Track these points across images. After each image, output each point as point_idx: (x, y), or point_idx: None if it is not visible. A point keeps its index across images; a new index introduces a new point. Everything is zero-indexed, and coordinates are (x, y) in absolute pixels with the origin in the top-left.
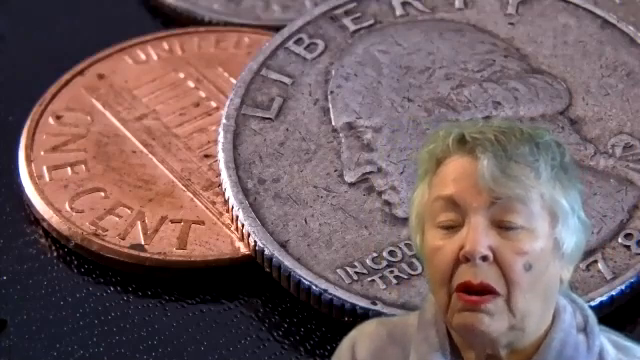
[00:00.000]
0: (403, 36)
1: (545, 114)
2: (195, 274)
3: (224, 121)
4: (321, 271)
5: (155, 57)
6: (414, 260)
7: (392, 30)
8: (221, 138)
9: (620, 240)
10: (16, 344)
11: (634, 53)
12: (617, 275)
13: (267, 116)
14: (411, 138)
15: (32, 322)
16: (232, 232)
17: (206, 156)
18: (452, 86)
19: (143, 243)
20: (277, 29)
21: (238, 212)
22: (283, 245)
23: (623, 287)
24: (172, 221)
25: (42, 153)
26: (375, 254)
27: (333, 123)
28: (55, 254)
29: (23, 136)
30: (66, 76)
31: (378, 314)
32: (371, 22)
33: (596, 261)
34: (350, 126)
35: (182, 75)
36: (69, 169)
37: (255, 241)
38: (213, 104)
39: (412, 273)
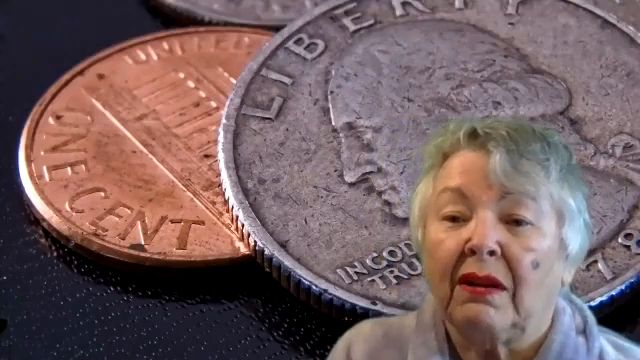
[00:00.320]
0: (403, 36)
1: (545, 114)
2: (195, 274)
3: (224, 121)
4: (321, 271)
5: (155, 57)
6: (414, 260)
7: (392, 30)
8: (221, 138)
9: (620, 240)
10: (16, 344)
11: (634, 53)
12: (617, 275)
13: (267, 116)
14: (411, 138)
15: (32, 322)
16: (232, 232)
17: (206, 156)
18: (452, 86)
19: (143, 243)
20: (277, 29)
21: (238, 212)
22: (283, 245)
23: (623, 287)
24: (172, 221)
25: (42, 153)
26: (375, 254)
27: (333, 123)
28: (55, 254)
29: (23, 136)
30: (66, 76)
31: (378, 314)
32: (371, 22)
33: (596, 261)
34: (350, 126)
35: (182, 75)
36: (69, 169)
37: (255, 241)
38: (213, 104)
39: (412, 273)
